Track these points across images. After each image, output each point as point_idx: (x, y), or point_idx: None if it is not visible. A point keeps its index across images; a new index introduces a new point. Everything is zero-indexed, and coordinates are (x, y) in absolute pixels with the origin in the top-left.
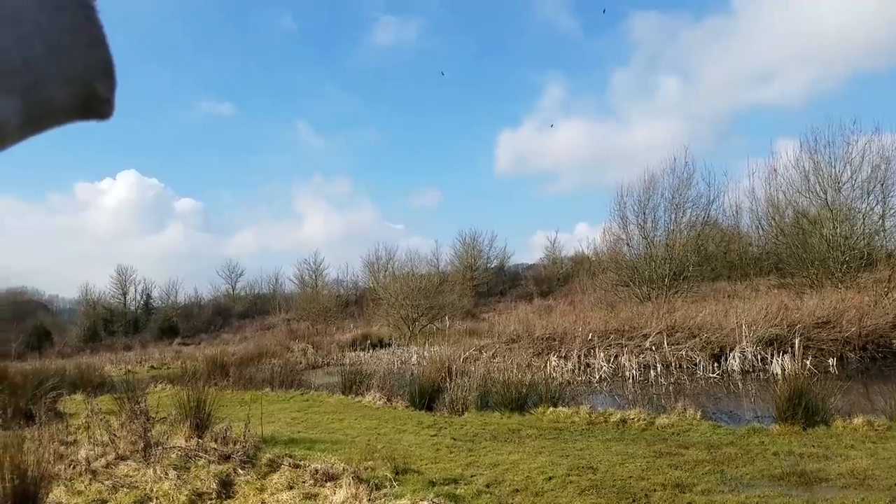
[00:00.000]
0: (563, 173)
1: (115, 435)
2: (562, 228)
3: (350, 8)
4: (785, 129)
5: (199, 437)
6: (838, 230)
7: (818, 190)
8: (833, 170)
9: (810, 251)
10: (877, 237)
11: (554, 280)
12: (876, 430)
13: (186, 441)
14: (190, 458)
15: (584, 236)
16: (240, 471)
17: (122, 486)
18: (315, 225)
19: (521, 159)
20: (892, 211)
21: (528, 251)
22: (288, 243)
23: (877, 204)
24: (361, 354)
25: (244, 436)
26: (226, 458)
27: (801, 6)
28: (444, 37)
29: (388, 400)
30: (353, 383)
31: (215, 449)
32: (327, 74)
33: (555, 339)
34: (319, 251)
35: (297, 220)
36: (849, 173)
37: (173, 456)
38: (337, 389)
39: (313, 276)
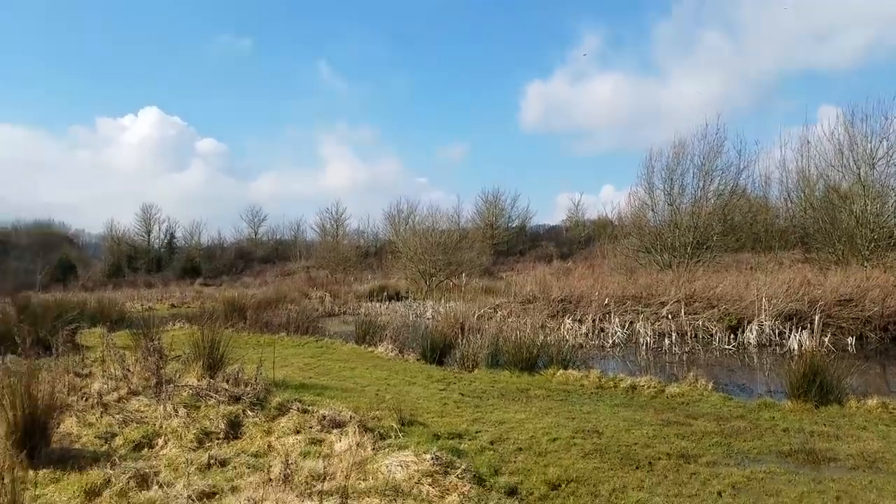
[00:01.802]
0: (594, 131)
1: (128, 370)
2: (587, 190)
3: None
4: (831, 96)
5: (212, 377)
6: (869, 207)
7: (852, 164)
8: (869, 145)
9: (838, 227)
10: None
11: (575, 242)
12: (890, 412)
13: (198, 380)
14: (201, 397)
15: (608, 199)
16: (249, 412)
17: (132, 421)
18: (338, 173)
19: (550, 113)
20: None
21: (550, 212)
22: (311, 190)
23: None
24: (377, 305)
25: (255, 378)
26: (236, 399)
27: None
28: None
29: (400, 352)
30: (366, 333)
31: (226, 390)
32: (351, 11)
33: (571, 302)
34: (342, 200)
35: (321, 166)
36: (885, 149)
37: (184, 394)
38: (351, 338)
39: (334, 226)
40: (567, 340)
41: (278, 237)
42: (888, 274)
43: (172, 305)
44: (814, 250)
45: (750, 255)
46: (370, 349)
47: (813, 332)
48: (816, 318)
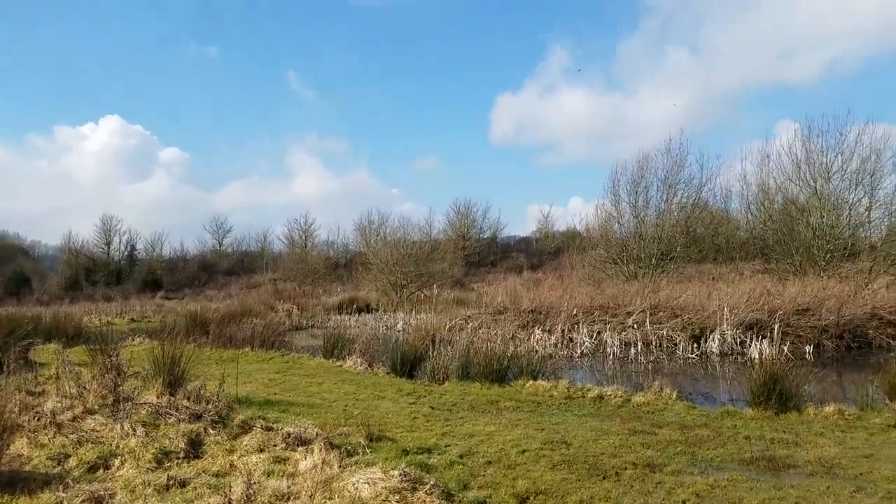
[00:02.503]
0: (562, 144)
1: (84, 388)
2: (556, 202)
3: None
4: (791, 112)
5: (172, 394)
6: (825, 219)
7: (808, 178)
8: (824, 159)
9: (796, 238)
10: (861, 228)
11: (545, 253)
12: (846, 419)
13: (158, 398)
14: (160, 415)
15: (577, 211)
16: (210, 431)
17: (87, 441)
18: (308, 184)
19: (520, 126)
20: (879, 203)
21: (521, 223)
22: (279, 201)
23: (864, 195)
24: (347, 318)
25: (218, 395)
26: (197, 417)
27: None
28: None
29: (370, 366)
30: (335, 347)
31: (187, 407)
32: (322, 23)
33: (541, 313)
34: (311, 211)
35: (290, 177)
36: (839, 163)
37: (143, 412)
38: (319, 352)
39: (303, 237)
40: (537, 351)
41: (244, 249)
42: (843, 284)
43: (132, 320)
44: (773, 261)
45: (712, 265)
46: (338, 363)
47: (773, 340)
48: (776, 327)
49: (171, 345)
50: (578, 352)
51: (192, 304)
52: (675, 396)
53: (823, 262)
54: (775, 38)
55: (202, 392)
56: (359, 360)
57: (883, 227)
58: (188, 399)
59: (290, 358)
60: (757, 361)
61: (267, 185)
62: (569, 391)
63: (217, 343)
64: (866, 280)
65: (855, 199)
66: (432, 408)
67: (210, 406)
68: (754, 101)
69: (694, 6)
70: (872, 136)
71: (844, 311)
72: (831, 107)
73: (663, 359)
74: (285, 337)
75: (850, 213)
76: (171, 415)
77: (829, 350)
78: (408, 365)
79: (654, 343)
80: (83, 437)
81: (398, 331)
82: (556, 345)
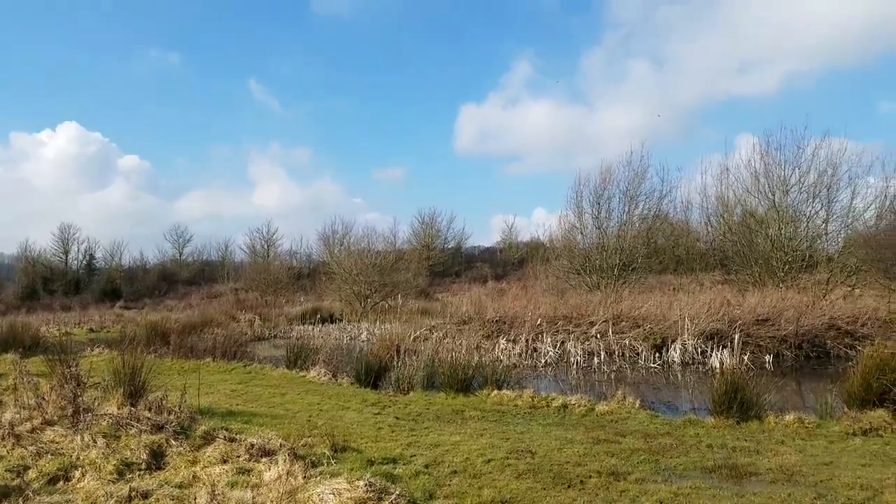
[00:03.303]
0: (527, 155)
1: (43, 399)
2: (520, 212)
3: None
4: (750, 125)
5: (133, 405)
6: (783, 231)
7: (767, 191)
8: (782, 172)
9: (755, 250)
10: (819, 240)
11: (509, 264)
12: (806, 427)
13: (119, 409)
14: (121, 426)
15: (541, 222)
16: (172, 442)
17: (46, 453)
18: (270, 193)
19: (484, 137)
20: (835, 216)
21: (485, 233)
22: (240, 210)
23: (821, 208)
24: (310, 328)
25: (179, 406)
26: (159, 428)
27: None
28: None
29: (334, 376)
30: (298, 357)
31: (148, 418)
32: (284, 30)
33: (505, 323)
34: (273, 221)
35: (252, 186)
36: (797, 177)
37: (104, 423)
38: (282, 363)
39: (265, 246)
40: (501, 361)
41: (205, 258)
42: (802, 295)
43: (91, 330)
44: (733, 272)
45: (673, 276)
46: (302, 374)
47: (733, 350)
48: (736, 336)
49: (132, 355)
50: (542, 361)
51: (153, 314)
52: (637, 405)
53: (782, 273)
54: (734, 51)
55: (164, 403)
56: (323, 371)
57: (839, 239)
58: (149, 410)
59: (253, 368)
60: (718, 371)
61: (229, 194)
62: (533, 400)
63: (178, 353)
64: (824, 291)
65: (812, 212)
66: (397, 418)
67: (172, 417)
68: (715, 114)
69: (655, 21)
70: (829, 150)
71: (803, 321)
72: (790, 120)
73: (626, 368)
74: (247, 347)
75: (807, 226)
76: (133, 426)
77: (788, 359)
78: (372, 375)
79: (616, 352)
80: (42, 448)
81: (362, 341)
82: (520, 354)
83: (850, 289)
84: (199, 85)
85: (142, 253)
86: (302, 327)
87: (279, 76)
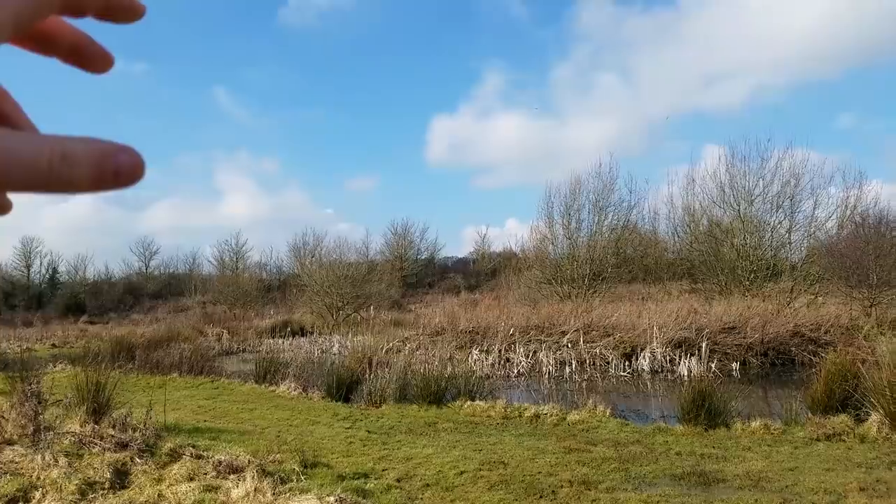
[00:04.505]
0: (499, 165)
1: (2, 417)
2: (493, 223)
3: None
4: (716, 136)
5: (96, 422)
6: (748, 241)
7: (732, 201)
8: (747, 183)
9: (721, 259)
10: (783, 249)
11: (482, 274)
12: (772, 433)
13: (81, 426)
14: (84, 444)
15: (513, 232)
16: (137, 460)
17: (5, 473)
18: (239, 204)
19: (456, 148)
20: (798, 225)
21: (458, 244)
22: (208, 221)
23: (785, 218)
24: (280, 342)
25: (145, 423)
26: (123, 445)
27: (742, 11)
28: (385, 7)
29: (304, 390)
30: (267, 372)
31: (112, 436)
32: (254, 38)
33: (478, 333)
34: (242, 232)
35: (220, 197)
36: (761, 187)
37: (66, 442)
38: (250, 378)
39: (234, 258)
40: (474, 371)
41: (171, 271)
42: (767, 303)
43: (54, 346)
44: (699, 281)
45: (641, 285)
46: (271, 388)
47: (701, 358)
48: (703, 345)
49: (95, 371)
50: (515, 371)
51: (118, 329)
52: (608, 414)
53: (747, 282)
54: (701, 65)
55: (128, 420)
56: (293, 385)
57: (803, 248)
58: (113, 427)
59: (221, 384)
60: (686, 379)
61: (197, 205)
62: (506, 411)
63: (143, 369)
64: (788, 299)
65: (776, 222)
66: (369, 431)
67: (137, 434)
68: (682, 126)
69: (623, 34)
70: (792, 162)
71: (768, 329)
72: (756, 132)
73: (597, 377)
74: (215, 362)
75: (771, 235)
76: (96, 444)
77: (754, 367)
78: (344, 388)
79: (587, 361)
80: (1, 468)
81: (334, 354)
82: (493, 365)
83: (813, 297)
84: (166, 94)
85: (107, 266)
86: (272, 341)
87: (249, 86)
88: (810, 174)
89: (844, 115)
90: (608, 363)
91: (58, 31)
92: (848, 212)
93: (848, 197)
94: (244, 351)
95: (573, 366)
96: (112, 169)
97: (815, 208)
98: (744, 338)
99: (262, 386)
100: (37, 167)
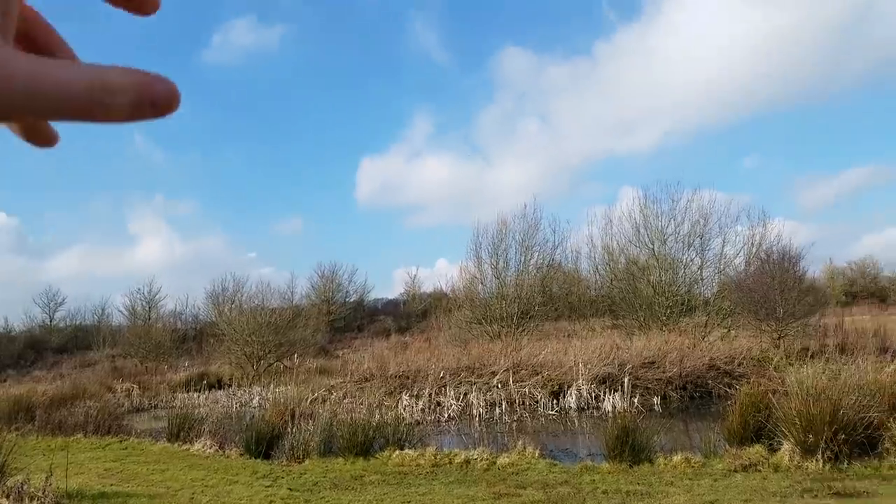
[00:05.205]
0: (428, 206)
1: None
2: (423, 263)
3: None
4: (631, 178)
5: None
6: (663, 278)
7: (647, 241)
8: (660, 223)
9: (639, 296)
10: (696, 285)
11: (412, 316)
12: (692, 466)
13: None
14: None
15: (443, 272)
16: None
17: None
18: (153, 250)
19: (386, 188)
20: (709, 262)
21: (388, 286)
22: (119, 269)
23: (696, 255)
24: (196, 396)
25: (44, 490)
26: None
27: (652, 60)
28: (311, 49)
29: (221, 447)
30: (181, 429)
31: None
32: (174, 76)
33: (408, 378)
34: (157, 279)
35: (133, 243)
36: (673, 227)
37: None
38: (162, 436)
39: (146, 308)
40: (404, 418)
41: (78, 322)
42: (683, 337)
43: None
44: (620, 317)
45: (567, 322)
46: (185, 447)
47: (623, 393)
48: (626, 380)
49: None
50: (446, 415)
51: (16, 388)
52: (537, 455)
53: (664, 317)
54: (614, 111)
55: (25, 487)
56: (208, 443)
57: (714, 284)
58: (8, 497)
59: (130, 443)
60: (611, 414)
61: (107, 251)
62: (436, 458)
63: (44, 430)
64: (703, 333)
65: (688, 259)
66: (291, 489)
67: (35, 503)
68: (599, 169)
69: (543, 82)
70: (701, 203)
71: (686, 363)
72: (666, 175)
73: (527, 416)
74: (124, 420)
75: (685, 272)
76: None
77: (674, 400)
78: (264, 444)
79: (517, 401)
80: None
81: (254, 407)
82: (423, 410)
83: (726, 330)
84: (75, 134)
85: (6, 319)
86: (186, 395)
87: (164, 127)
88: (718, 214)
89: (748, 157)
90: (537, 402)
91: None
92: (754, 249)
93: (753, 234)
94: (156, 407)
95: (503, 406)
96: (150, 99)
97: (723, 246)
98: (663, 372)
99: (175, 444)
100: (78, 96)
